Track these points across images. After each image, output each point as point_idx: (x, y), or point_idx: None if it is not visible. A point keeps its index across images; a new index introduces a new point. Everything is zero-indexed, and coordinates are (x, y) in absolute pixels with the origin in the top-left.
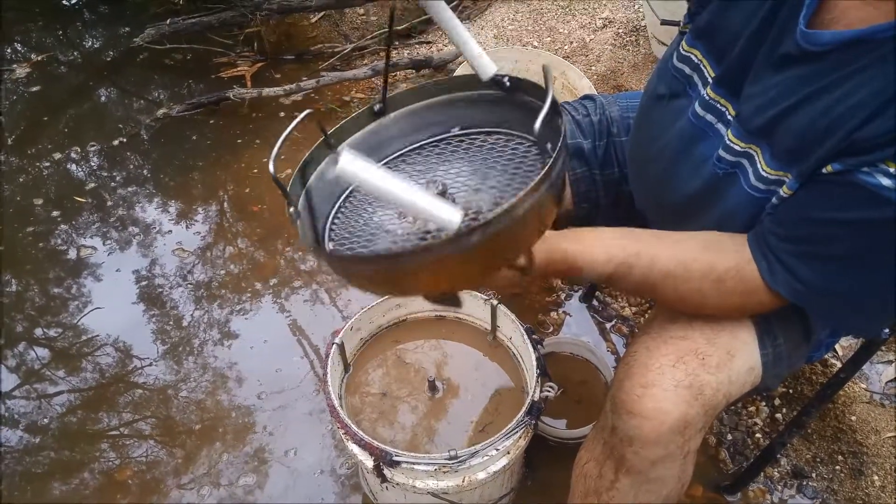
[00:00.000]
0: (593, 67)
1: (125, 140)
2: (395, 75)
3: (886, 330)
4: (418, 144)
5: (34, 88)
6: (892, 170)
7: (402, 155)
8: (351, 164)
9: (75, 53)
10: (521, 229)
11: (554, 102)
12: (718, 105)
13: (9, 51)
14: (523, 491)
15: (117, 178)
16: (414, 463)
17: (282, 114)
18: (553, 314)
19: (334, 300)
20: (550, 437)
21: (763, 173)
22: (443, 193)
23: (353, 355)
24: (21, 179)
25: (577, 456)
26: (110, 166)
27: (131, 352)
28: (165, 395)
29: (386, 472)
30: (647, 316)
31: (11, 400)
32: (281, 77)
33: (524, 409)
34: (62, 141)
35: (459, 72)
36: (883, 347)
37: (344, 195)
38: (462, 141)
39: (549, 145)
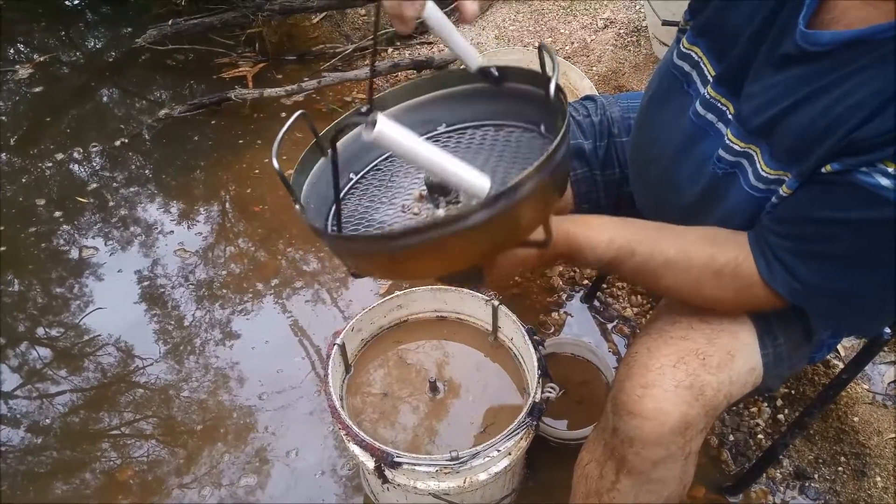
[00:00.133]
0: (594, 68)
1: (127, 140)
2: (397, 76)
3: (888, 330)
4: None
5: (37, 89)
6: (890, 170)
7: (388, 157)
8: (390, 128)
9: (77, 54)
10: (543, 194)
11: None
12: (719, 104)
13: (11, 51)
14: (524, 492)
15: (119, 179)
16: (415, 464)
17: (283, 114)
18: (554, 315)
19: (335, 301)
20: (552, 437)
21: (763, 173)
22: (445, 182)
23: (354, 356)
24: (23, 180)
25: (579, 457)
26: (112, 167)
27: (133, 352)
28: (167, 395)
29: (387, 472)
30: (648, 316)
31: (13, 400)
32: (282, 77)
33: (525, 409)
34: (64, 141)
35: None
36: (885, 348)
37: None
38: (450, 137)
39: (542, 127)
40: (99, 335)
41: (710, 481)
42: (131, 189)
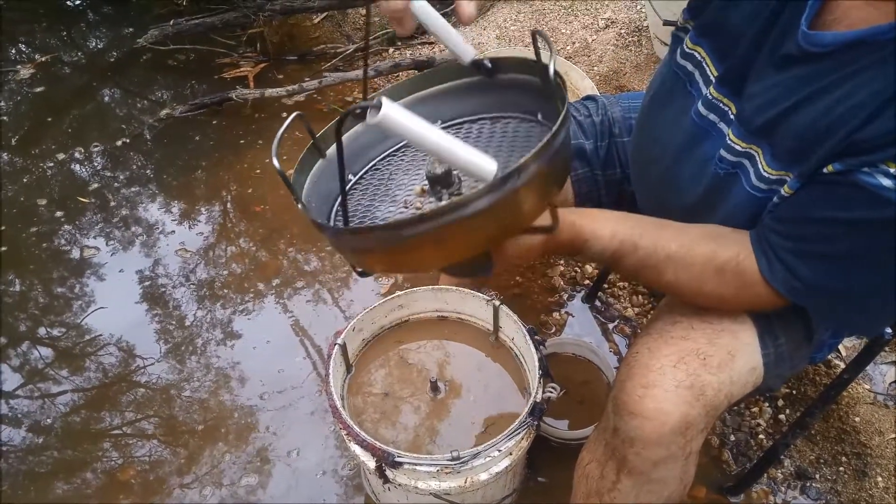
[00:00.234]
0: (595, 68)
1: (128, 140)
2: (398, 76)
3: (889, 330)
4: (403, 143)
5: (38, 89)
6: (892, 170)
7: (386, 157)
8: (395, 111)
9: (79, 54)
10: (549, 174)
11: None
12: (721, 104)
13: (13, 51)
14: (525, 492)
15: (120, 179)
16: (416, 464)
17: (284, 114)
18: (555, 315)
19: (336, 300)
20: (553, 437)
21: (764, 173)
22: (447, 175)
23: (355, 356)
24: (25, 180)
25: (579, 457)
26: (113, 167)
27: (134, 351)
28: (168, 395)
29: (388, 472)
30: (649, 316)
31: (15, 399)
32: (283, 78)
33: (526, 409)
34: (66, 141)
35: None
36: (886, 348)
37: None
38: (448, 133)
39: (540, 115)
40: (100, 335)
41: (711, 481)
42: (132, 189)
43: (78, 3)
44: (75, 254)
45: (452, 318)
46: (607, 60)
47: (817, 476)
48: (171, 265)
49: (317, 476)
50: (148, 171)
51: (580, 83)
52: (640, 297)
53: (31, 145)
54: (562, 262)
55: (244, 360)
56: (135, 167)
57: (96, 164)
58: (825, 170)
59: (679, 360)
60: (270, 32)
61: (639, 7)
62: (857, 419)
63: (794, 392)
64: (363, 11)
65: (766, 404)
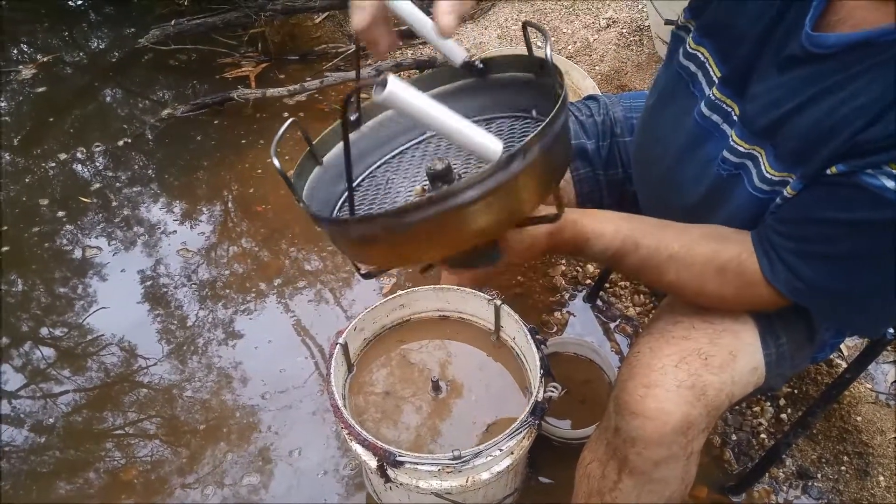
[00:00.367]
0: (597, 67)
1: (130, 140)
2: (399, 76)
3: (891, 330)
4: (399, 150)
5: (40, 89)
6: (895, 172)
7: (382, 164)
8: (401, 88)
9: (81, 54)
10: (554, 157)
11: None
12: (724, 105)
13: (15, 52)
14: (527, 491)
15: (122, 179)
16: (417, 463)
17: (285, 114)
18: (557, 314)
19: (338, 300)
20: (554, 437)
21: (767, 175)
22: (447, 171)
23: (356, 355)
24: (27, 180)
25: (581, 456)
26: (115, 167)
27: (136, 351)
28: (170, 395)
29: (389, 472)
30: (650, 316)
31: (17, 399)
32: (285, 77)
33: (528, 409)
34: (67, 141)
35: None
36: (888, 348)
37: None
38: (442, 139)
39: (535, 111)
40: (102, 335)
41: (712, 481)
42: (134, 189)
43: (79, 3)
44: (77, 254)
45: (454, 317)
46: (609, 60)
47: (819, 475)
48: (173, 265)
49: (318, 475)
50: (149, 171)
51: (581, 83)
52: (641, 296)
53: (32, 145)
54: (563, 261)
55: (246, 359)
56: (136, 167)
57: (98, 164)
58: (829, 171)
59: (681, 359)
60: (272, 32)
61: (640, 6)
62: (858, 418)
63: (796, 391)
64: None
65: (768, 403)
